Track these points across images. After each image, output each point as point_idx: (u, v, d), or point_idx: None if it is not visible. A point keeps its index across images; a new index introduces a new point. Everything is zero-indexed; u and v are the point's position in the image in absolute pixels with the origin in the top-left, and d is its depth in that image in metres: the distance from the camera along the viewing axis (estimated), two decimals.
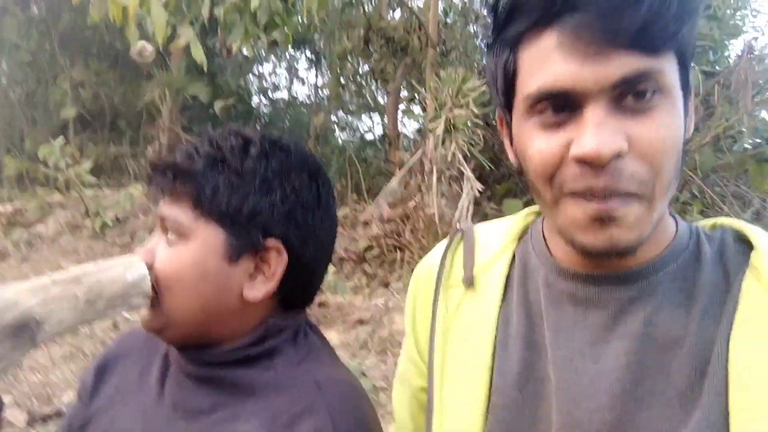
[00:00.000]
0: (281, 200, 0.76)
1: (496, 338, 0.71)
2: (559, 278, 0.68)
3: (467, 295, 0.76)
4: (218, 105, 7.56)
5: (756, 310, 0.57)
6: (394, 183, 4.07)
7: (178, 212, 0.75)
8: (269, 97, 13.21)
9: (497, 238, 0.79)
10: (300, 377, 0.76)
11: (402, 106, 7.46)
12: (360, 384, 0.83)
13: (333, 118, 10.25)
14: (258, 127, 11.02)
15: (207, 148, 0.77)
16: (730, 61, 4.71)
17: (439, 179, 3.93)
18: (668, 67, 0.55)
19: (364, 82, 8.20)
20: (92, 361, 0.94)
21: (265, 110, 12.74)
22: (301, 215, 0.78)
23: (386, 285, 3.89)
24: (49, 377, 3.12)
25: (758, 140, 4.24)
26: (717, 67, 4.52)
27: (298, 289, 0.82)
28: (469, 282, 0.75)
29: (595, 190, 0.55)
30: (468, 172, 3.90)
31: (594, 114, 0.54)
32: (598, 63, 0.53)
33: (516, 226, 0.80)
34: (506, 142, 0.70)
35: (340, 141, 10.11)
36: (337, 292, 3.43)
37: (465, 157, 3.94)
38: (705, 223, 0.70)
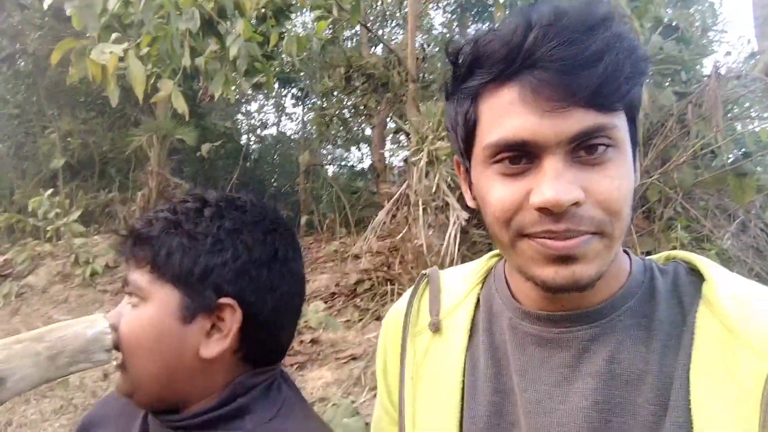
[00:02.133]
0: (233, 258, 0.78)
1: (463, 383, 0.73)
2: (523, 321, 0.69)
3: (434, 340, 0.77)
4: (205, 148, 7.62)
5: (711, 340, 0.59)
6: (381, 215, 4.10)
7: (137, 276, 0.77)
8: (258, 134, 13.30)
9: (462, 282, 0.81)
10: None
11: (388, 139, 7.55)
12: None
13: (322, 152, 10.34)
14: (248, 165, 11.08)
15: (165, 213, 0.80)
16: (704, 78, 4.83)
17: (425, 210, 3.96)
18: (620, 123, 0.58)
19: (349, 117, 8.30)
20: (73, 427, 0.94)
21: (254, 147, 12.82)
22: (255, 272, 0.79)
23: (378, 318, 3.87)
24: (19, 418, 3.04)
25: (738, 153, 4.31)
26: (692, 86, 4.63)
27: (261, 345, 0.82)
28: (435, 327, 0.77)
29: (555, 233, 0.57)
30: (453, 201, 3.94)
31: (552, 165, 0.57)
32: (556, 118, 0.56)
33: (480, 270, 0.81)
34: (464, 187, 0.72)
35: (329, 173, 10.19)
36: (329, 329, 3.41)
37: (449, 187, 3.98)
38: (658, 257, 0.72)
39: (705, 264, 0.65)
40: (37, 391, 3.27)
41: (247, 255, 0.79)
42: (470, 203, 0.72)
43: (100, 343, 0.74)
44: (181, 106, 2.87)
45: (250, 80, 3.61)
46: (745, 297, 0.59)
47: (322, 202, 8.57)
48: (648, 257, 0.72)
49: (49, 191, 5.67)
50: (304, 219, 8.01)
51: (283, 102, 12.26)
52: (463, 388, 0.72)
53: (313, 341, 3.63)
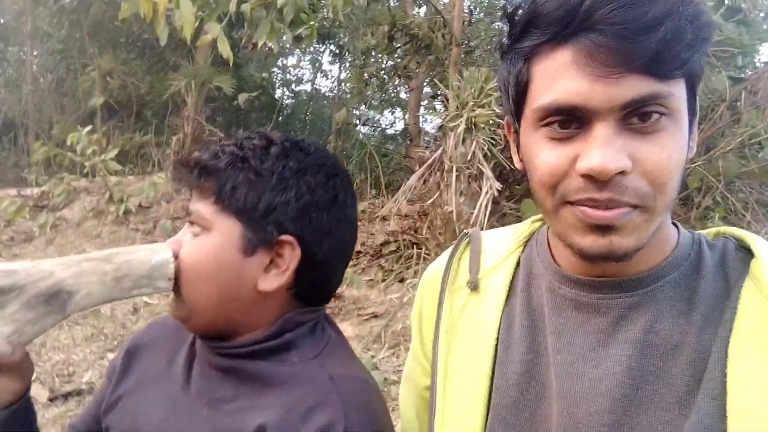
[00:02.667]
0: (296, 198, 0.79)
1: (497, 341, 0.74)
2: (563, 285, 0.70)
3: (471, 297, 0.78)
4: (242, 98, 7.64)
5: (754, 316, 0.58)
6: (413, 179, 4.09)
7: (201, 206, 0.79)
8: (292, 89, 13.29)
9: (503, 243, 0.82)
10: (315, 372, 0.79)
11: (424, 103, 7.47)
12: (374, 381, 0.85)
13: (355, 112, 10.29)
14: (280, 120, 11.11)
15: (231, 147, 0.81)
16: (760, 66, 4.63)
17: (458, 177, 3.94)
18: (677, 92, 0.57)
19: (386, 78, 8.22)
20: (121, 346, 0.98)
21: (288, 102, 12.83)
22: (316, 213, 0.81)
23: (402, 280, 3.92)
24: (71, 356, 3.21)
25: None
26: (748, 72, 4.45)
27: (314, 285, 0.85)
28: (474, 286, 0.78)
29: (598, 202, 0.57)
30: (487, 171, 3.90)
31: (602, 132, 0.56)
32: (610, 84, 0.54)
33: (522, 233, 0.82)
34: (513, 148, 0.72)
35: (360, 135, 10.16)
36: (353, 286, 3.47)
37: (485, 156, 3.94)
38: (707, 232, 0.71)
39: (755, 240, 0.63)
40: (70, 318, 3.42)
41: (309, 196, 0.80)
42: (518, 165, 0.71)
43: (162, 271, 0.77)
44: (226, 50, 2.88)
45: (294, 31, 3.58)
46: None
47: (352, 162, 8.58)
48: (698, 231, 0.71)
49: (88, 128, 5.77)
50: None
51: (320, 58, 12.19)
52: (496, 346, 0.73)
53: (337, 296, 3.70)
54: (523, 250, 0.80)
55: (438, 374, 0.77)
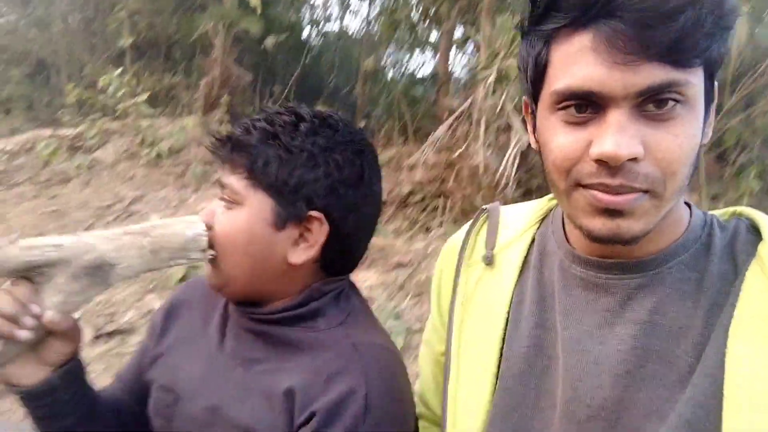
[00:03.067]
0: (325, 175, 0.83)
1: (509, 314, 0.77)
2: (573, 263, 0.72)
3: (487, 272, 0.82)
4: (269, 41, 7.54)
5: (758, 299, 0.59)
6: (440, 131, 4.05)
7: (233, 180, 0.83)
8: (320, 29, 13.01)
9: (521, 219, 0.84)
10: (339, 339, 0.84)
11: (454, 49, 7.26)
12: (394, 346, 0.91)
13: (384, 53, 10.06)
14: (307, 61, 10.94)
15: (262, 123, 0.84)
16: None
17: (486, 129, 3.89)
18: (694, 80, 0.57)
19: (417, 19, 7.96)
20: (162, 303, 1.05)
21: (315, 43, 12.59)
22: (343, 190, 0.84)
23: (427, 230, 3.96)
24: (112, 297, 3.38)
25: None
26: None
27: (340, 257, 0.89)
28: (489, 260, 0.81)
29: (609, 187, 0.58)
30: (517, 123, 3.85)
31: (616, 118, 0.56)
32: (627, 70, 0.55)
33: (539, 210, 0.84)
34: (529, 128, 0.73)
35: (389, 77, 9.96)
36: (379, 235, 3.53)
37: (515, 108, 3.87)
38: (723, 212, 0.72)
39: (766, 222, 0.64)
40: None
41: (338, 173, 0.83)
42: (533, 145, 0.72)
43: (196, 243, 0.82)
44: None
45: None
46: None
47: (379, 107, 8.47)
48: (712, 212, 0.72)
49: (119, 70, 5.81)
50: (361, 124, 7.99)
51: None
52: (508, 319, 0.77)
53: None
54: (539, 227, 0.82)
55: (452, 343, 0.81)
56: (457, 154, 4.03)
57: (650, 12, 0.53)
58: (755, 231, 0.65)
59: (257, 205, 0.82)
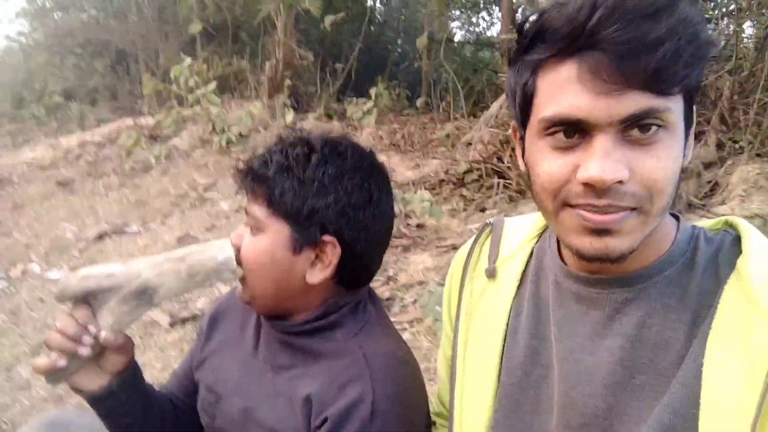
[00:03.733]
0: (335, 201, 0.90)
1: (508, 324, 0.82)
2: (566, 278, 0.76)
3: (490, 284, 0.87)
4: (328, 20, 7.59)
5: (733, 311, 0.61)
6: (494, 108, 3.98)
7: (256, 209, 0.92)
8: None
9: (521, 233, 0.89)
10: (353, 349, 0.92)
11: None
12: (406, 354, 0.98)
13: (447, 18, 9.75)
14: (372, 30, 10.76)
15: (278, 156, 0.92)
16: None
17: None
18: (674, 106, 0.60)
19: None
20: (207, 311, 1.19)
21: (379, 9, 12.40)
22: (353, 214, 0.91)
23: (482, 210, 3.95)
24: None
25: None
26: None
27: (354, 273, 0.97)
28: (491, 274, 0.86)
29: (596, 206, 0.61)
30: None
31: (602, 144, 0.60)
32: (611, 98, 0.58)
33: (539, 223, 0.88)
34: (518, 151, 0.77)
35: (456, 39, 9.62)
36: (433, 217, 3.57)
37: None
38: (716, 222, 0.74)
39: (748, 235, 0.66)
40: None
41: (347, 199, 0.91)
42: (522, 167, 0.75)
43: (227, 266, 0.93)
44: None
45: None
46: None
47: (441, 79, 8.33)
48: (701, 224, 0.74)
49: (188, 60, 6.05)
50: (421, 100, 7.93)
51: None
52: (507, 330, 0.82)
53: (419, 225, 3.83)
54: (537, 241, 0.86)
55: (458, 352, 0.87)
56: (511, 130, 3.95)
57: (632, 44, 0.56)
58: (739, 243, 0.67)
59: (277, 232, 0.91)
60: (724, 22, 5.05)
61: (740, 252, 0.65)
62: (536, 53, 0.64)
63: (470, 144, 4.74)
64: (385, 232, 0.99)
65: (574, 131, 0.62)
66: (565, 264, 0.77)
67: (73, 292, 0.88)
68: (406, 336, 2.66)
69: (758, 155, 3.54)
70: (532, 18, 0.64)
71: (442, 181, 4.51)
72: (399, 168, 4.96)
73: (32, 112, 10.09)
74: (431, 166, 4.92)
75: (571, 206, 0.64)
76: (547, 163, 0.64)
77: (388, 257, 3.37)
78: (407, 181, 4.63)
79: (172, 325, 2.86)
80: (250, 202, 0.94)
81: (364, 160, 0.96)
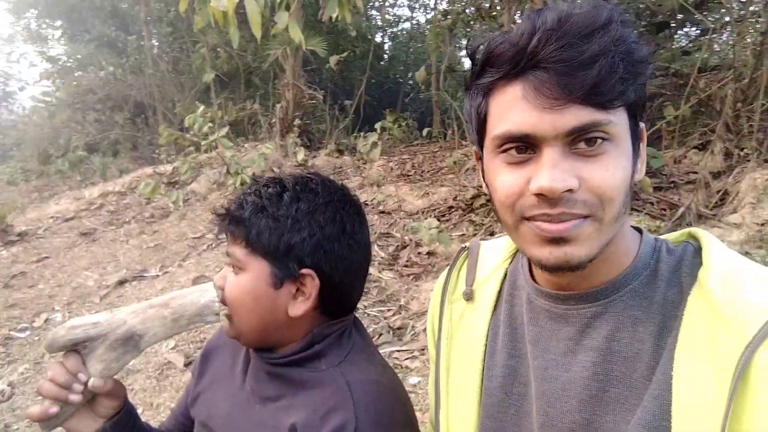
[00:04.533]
0: (310, 236, 0.93)
1: (486, 345, 0.84)
2: (538, 296, 0.78)
3: (468, 306, 0.89)
4: (332, 60, 7.80)
5: (698, 321, 0.63)
6: None
7: (236, 250, 0.96)
8: (391, 31, 13.00)
9: (495, 255, 0.91)
10: (336, 378, 0.93)
11: None
12: (389, 380, 0.99)
13: (451, 49, 9.91)
14: (381, 64, 10.90)
15: (252, 197, 0.96)
16: None
17: None
18: (617, 120, 0.63)
19: (472, 19, 7.87)
20: (201, 349, 1.22)
21: (388, 45, 12.63)
22: (328, 245, 0.94)
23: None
24: (202, 327, 3.66)
25: None
26: None
27: (336, 303, 1.00)
28: (468, 297, 0.89)
29: (551, 216, 0.64)
30: None
31: (550, 156, 0.63)
32: (555, 113, 0.62)
33: (511, 245, 0.90)
34: (479, 173, 0.80)
35: (461, 70, 9.80)
36: (442, 244, 3.58)
37: None
38: (680, 234, 0.76)
39: (709, 246, 0.68)
40: None
41: (320, 233, 0.94)
42: (484, 188, 0.78)
43: (210, 308, 0.96)
44: (297, 36, 3.03)
45: None
46: (734, 280, 0.62)
47: (452, 107, 8.43)
48: (663, 236, 0.76)
49: (201, 108, 6.24)
50: (430, 129, 8.01)
51: None
52: (486, 351, 0.84)
53: (430, 253, 3.84)
54: (511, 262, 0.89)
55: (441, 375, 0.89)
56: None
57: (569, 61, 0.60)
58: (701, 254, 0.69)
59: (257, 270, 0.94)
60: (727, 30, 5.06)
61: (701, 263, 0.67)
62: (486, 77, 0.68)
63: (476, 169, 4.75)
64: (362, 260, 1.02)
65: (525, 147, 0.65)
66: (537, 282, 0.79)
67: (62, 342, 0.92)
68: (416, 364, 2.65)
69: (766, 161, 3.51)
70: (482, 47, 0.69)
71: (451, 207, 4.54)
72: (408, 197, 5.01)
73: (57, 167, 10.46)
74: (440, 193, 4.96)
75: (528, 219, 0.66)
76: (502, 178, 0.68)
77: (400, 286, 3.38)
78: (417, 210, 4.67)
79: (187, 365, 2.89)
80: (230, 244, 0.98)
81: (335, 193, 1.00)
